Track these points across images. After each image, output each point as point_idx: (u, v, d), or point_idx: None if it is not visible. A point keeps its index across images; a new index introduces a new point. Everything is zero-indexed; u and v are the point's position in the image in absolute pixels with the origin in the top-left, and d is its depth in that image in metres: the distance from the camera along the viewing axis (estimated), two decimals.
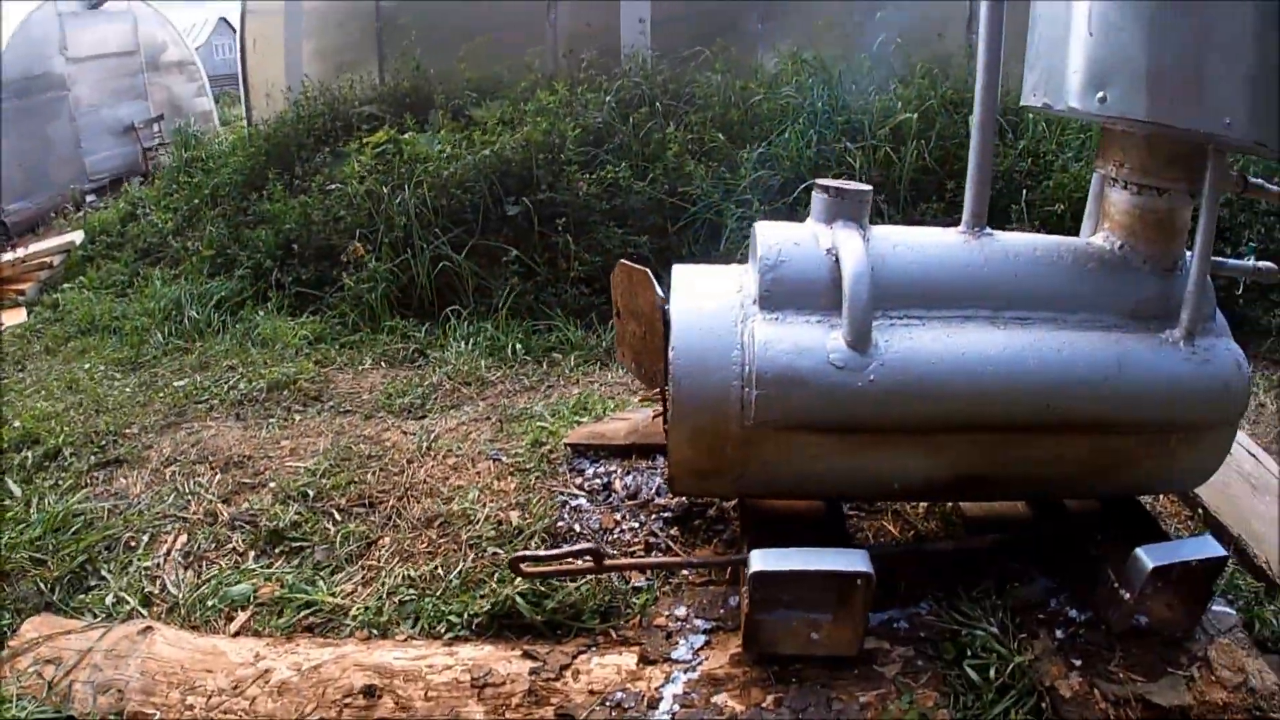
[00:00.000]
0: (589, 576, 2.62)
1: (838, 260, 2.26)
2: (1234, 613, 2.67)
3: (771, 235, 2.35)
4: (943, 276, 2.34)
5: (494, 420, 3.92)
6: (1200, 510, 3.47)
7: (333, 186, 5.83)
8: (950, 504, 2.96)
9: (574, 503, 3.13)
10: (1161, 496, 3.51)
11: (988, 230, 2.47)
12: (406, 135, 5.81)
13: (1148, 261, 2.48)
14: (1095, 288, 2.43)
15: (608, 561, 2.51)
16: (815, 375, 2.15)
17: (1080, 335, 2.34)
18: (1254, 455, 3.94)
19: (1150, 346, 2.36)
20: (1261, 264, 2.97)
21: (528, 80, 6.04)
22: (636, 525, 2.97)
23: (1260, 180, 2.61)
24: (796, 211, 5.03)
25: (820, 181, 2.41)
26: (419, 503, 3.25)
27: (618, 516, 3.02)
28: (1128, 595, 2.38)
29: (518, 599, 2.57)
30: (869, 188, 2.42)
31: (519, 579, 2.58)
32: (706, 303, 2.34)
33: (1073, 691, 2.32)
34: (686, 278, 2.45)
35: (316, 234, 5.70)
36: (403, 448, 3.70)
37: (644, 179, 5.26)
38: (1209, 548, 2.44)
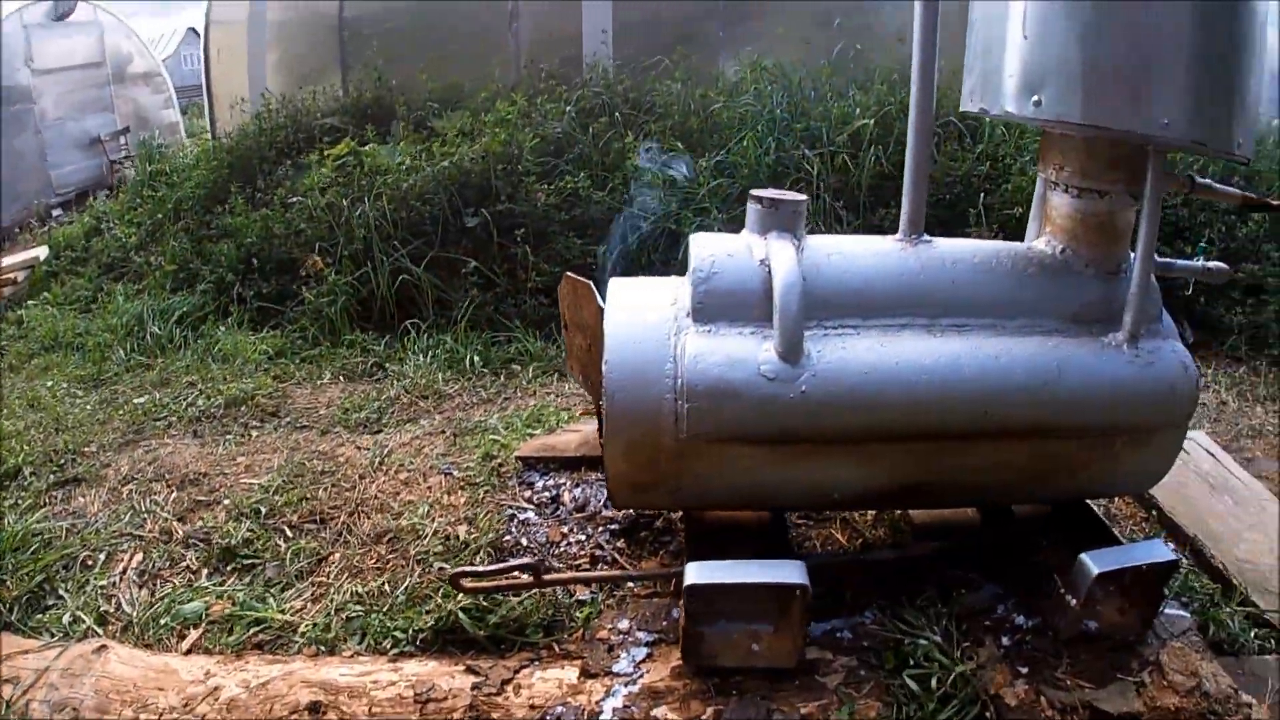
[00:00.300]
0: (534, 591, 2.60)
1: (771, 271, 2.24)
2: (1188, 615, 2.67)
3: (705, 247, 2.33)
4: (878, 285, 2.33)
5: (448, 434, 3.89)
6: (1155, 511, 3.48)
7: (294, 199, 5.79)
8: (898, 511, 2.95)
9: (522, 516, 3.11)
10: (1117, 498, 3.52)
11: (925, 238, 2.46)
12: (367, 147, 5.77)
13: (1090, 265, 2.47)
14: (1036, 293, 2.42)
15: (546, 576, 2.49)
16: (747, 387, 2.13)
17: (1019, 341, 2.32)
18: (1212, 454, 3.95)
19: (1092, 350, 2.35)
20: (1211, 264, 2.96)
21: (488, 91, 6.02)
22: (583, 538, 2.95)
23: (1209, 180, 2.61)
24: None
25: (755, 192, 2.40)
26: (369, 518, 3.23)
27: (565, 529, 3.00)
28: (1074, 601, 2.37)
29: (461, 614, 2.56)
30: (803, 198, 2.41)
31: (462, 594, 2.56)
32: (641, 315, 2.32)
33: (1018, 699, 2.30)
34: (622, 291, 2.43)
35: (278, 248, 5.66)
36: (355, 463, 3.68)
37: (604, 189, 5.24)
38: (1157, 552, 2.43)
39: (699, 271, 2.28)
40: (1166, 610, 2.62)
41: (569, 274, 2.82)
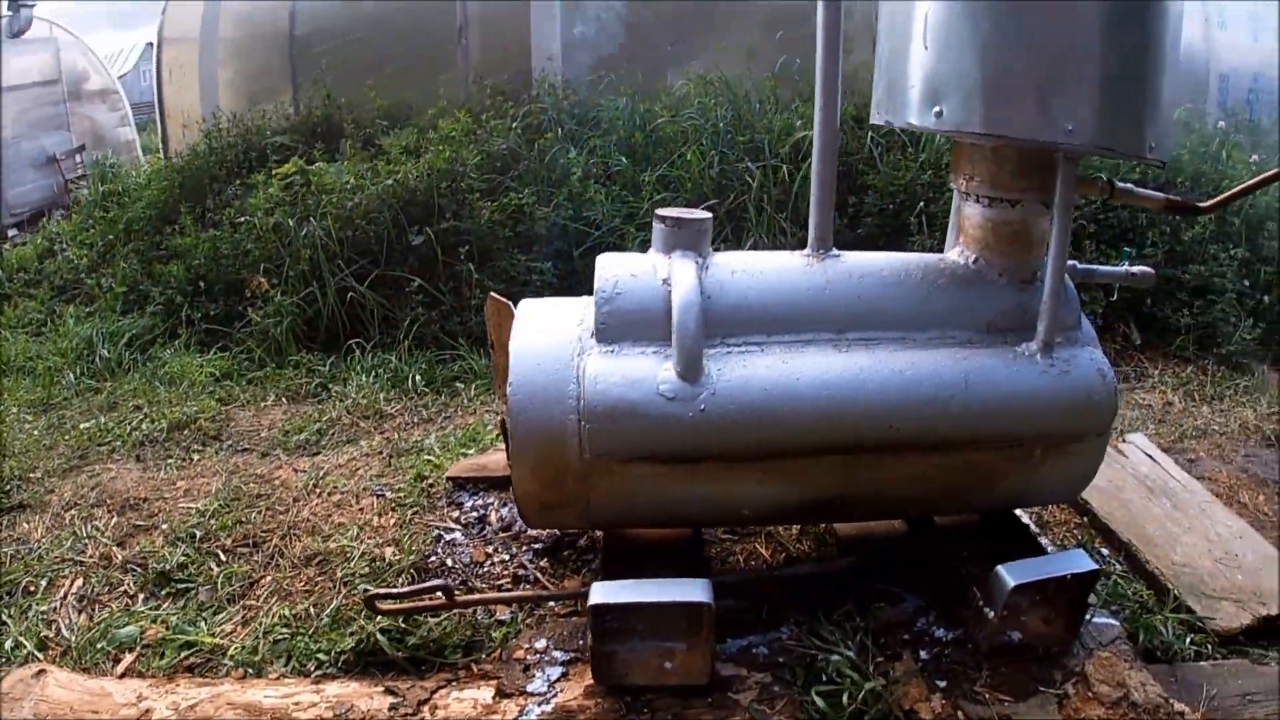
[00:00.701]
0: (452, 611, 2.60)
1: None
2: (1117, 624, 2.66)
3: (609, 267, 2.33)
4: (783, 301, 2.32)
5: (385, 455, 3.87)
6: (1089, 517, 3.48)
7: (243, 219, 5.75)
8: (822, 525, 2.95)
9: (449, 536, 3.10)
10: (1051, 505, 3.52)
11: (834, 252, 2.46)
12: (315, 166, 5.74)
13: (1004, 274, 2.48)
14: (948, 304, 2.42)
15: (459, 597, 2.49)
16: (646, 407, 2.13)
17: (928, 354, 2.32)
18: (1152, 457, 3.96)
19: (1004, 361, 2.35)
20: (1136, 269, 2.97)
21: (436, 108, 6.00)
22: (507, 557, 2.94)
23: (1129, 185, 2.61)
24: None
25: (659, 211, 2.41)
26: (300, 541, 3.22)
27: (490, 549, 2.98)
28: (992, 614, 2.37)
29: (380, 636, 2.55)
30: (708, 216, 2.41)
31: (381, 616, 2.56)
32: (546, 337, 2.32)
33: (934, 714, 2.29)
34: (531, 311, 2.43)
35: (225, 268, 5.62)
36: (291, 485, 3.68)
37: (548, 205, 5.23)
38: (1078, 562, 2.42)
39: (602, 292, 2.27)
40: (1095, 619, 2.62)
41: (493, 294, 2.82)
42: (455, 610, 2.59)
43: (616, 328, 2.25)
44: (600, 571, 2.46)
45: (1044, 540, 3.00)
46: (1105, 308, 5.42)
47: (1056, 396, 2.35)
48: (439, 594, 2.45)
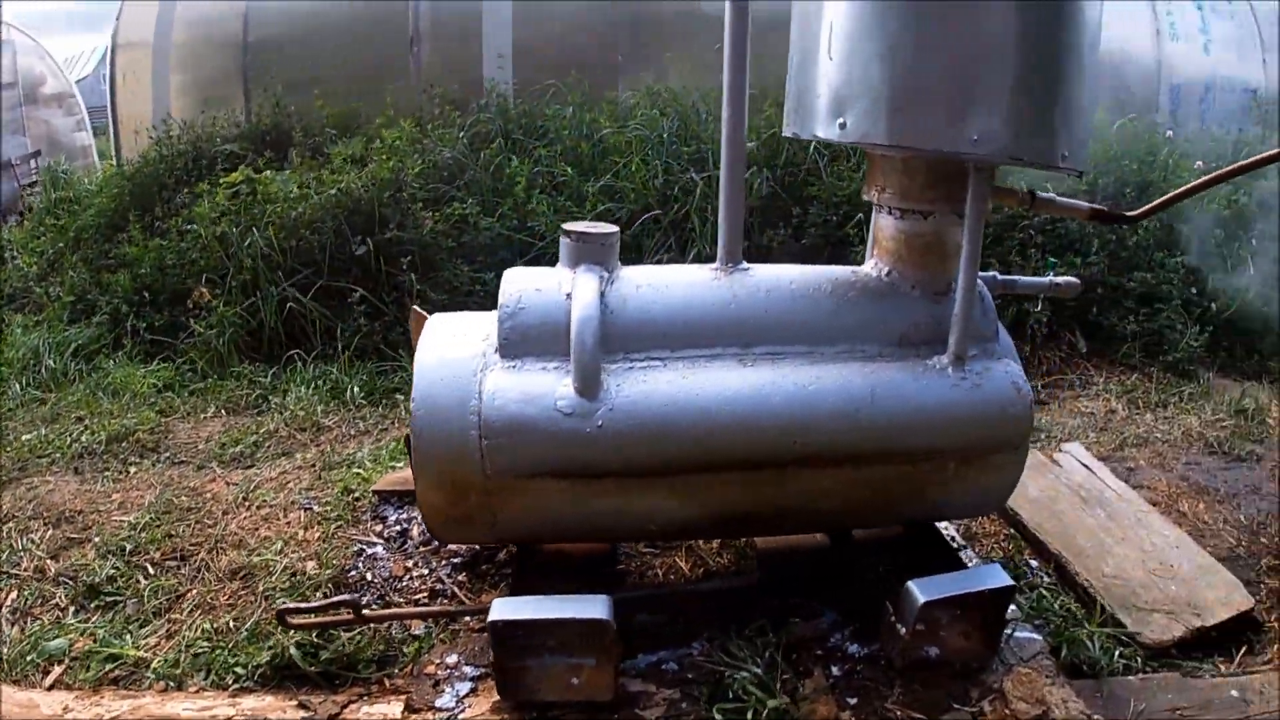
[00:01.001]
0: (368, 626, 2.60)
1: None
2: (1040, 638, 2.65)
3: (514, 282, 2.32)
4: (688, 316, 2.31)
5: (317, 468, 3.84)
6: (1019, 528, 3.44)
7: (190, 228, 5.69)
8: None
9: (370, 551, 3.09)
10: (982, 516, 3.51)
11: (744, 265, 2.45)
12: (262, 175, 5.69)
13: (917, 286, 2.47)
14: (858, 317, 2.42)
15: (367, 612, 2.47)
16: (544, 423, 2.12)
17: (835, 368, 2.31)
18: (1087, 466, 3.96)
19: (913, 374, 2.34)
20: (1060, 279, 2.97)
21: (384, 117, 5.97)
22: (426, 572, 2.92)
23: (1050, 194, 2.61)
24: (642, 242, 5.04)
25: (565, 226, 2.39)
26: (226, 555, 3.21)
27: (409, 564, 2.96)
28: (904, 630, 2.35)
29: (294, 650, 2.55)
30: (614, 230, 2.39)
31: (293, 631, 2.56)
32: (451, 352, 2.30)
33: None
34: (438, 326, 2.41)
35: (171, 278, 5.55)
36: (221, 499, 3.65)
37: (493, 215, 5.20)
38: (993, 577, 2.41)
39: (505, 307, 2.26)
40: (1017, 633, 2.62)
41: (415, 308, 2.80)
42: (369, 624, 2.59)
43: (519, 343, 2.24)
44: (510, 587, 2.44)
45: (969, 553, 3.02)
46: (1050, 316, 5.46)
47: (968, 410, 2.34)
48: (345, 609, 2.45)
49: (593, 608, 2.11)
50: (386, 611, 2.57)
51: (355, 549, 3.10)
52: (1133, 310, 5.75)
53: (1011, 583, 2.42)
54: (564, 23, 6.87)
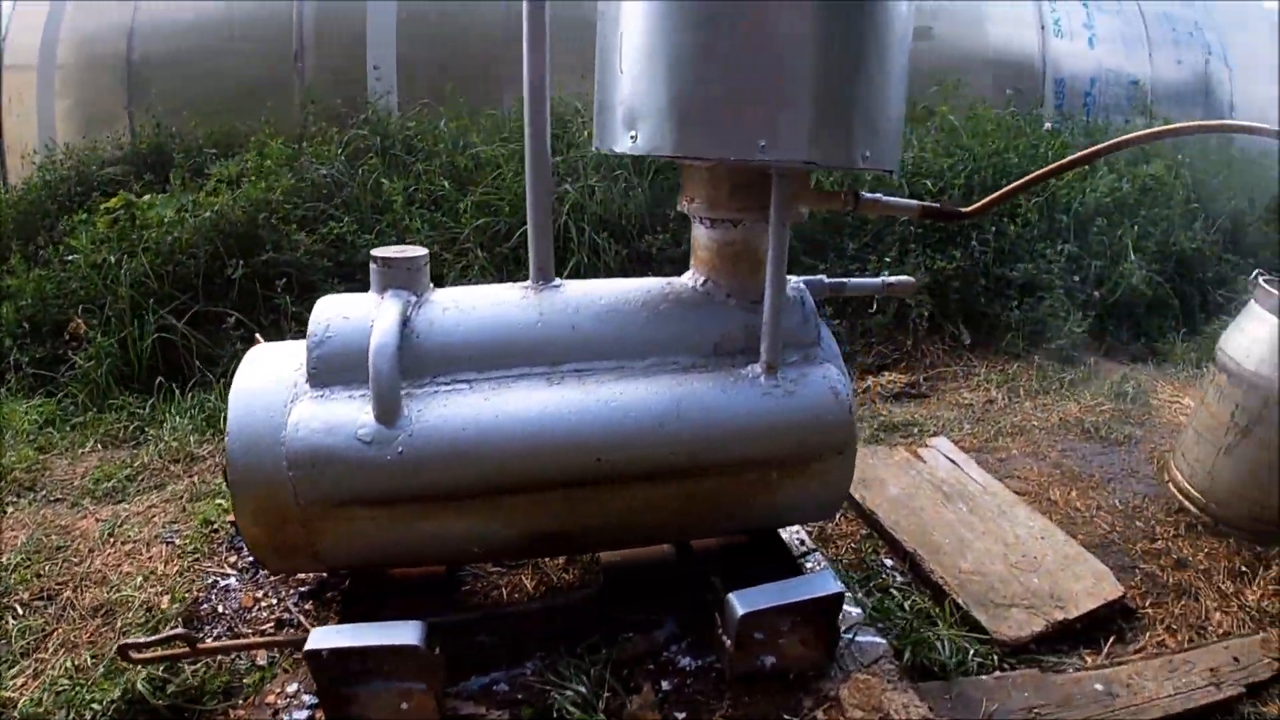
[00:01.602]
0: (217, 657, 2.63)
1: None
2: (884, 642, 2.65)
3: (323, 310, 2.31)
4: (494, 337, 2.32)
5: (184, 500, 3.79)
6: (876, 527, 3.45)
7: (71, 258, 5.56)
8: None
9: (224, 583, 3.07)
10: (838, 515, 3.55)
11: (555, 282, 2.46)
12: (143, 199, 5.58)
13: (732, 295, 2.48)
14: (669, 329, 2.42)
15: (201, 645, 2.46)
16: (346, 452, 2.12)
17: (642, 382, 2.32)
18: (952, 460, 3.99)
19: (723, 385, 2.34)
20: (894, 279, 2.99)
21: (263, 134, 5.88)
22: (275, 601, 2.91)
23: (876, 195, 2.61)
24: (520, 256, 5.04)
25: (374, 252, 2.38)
26: (90, 592, 3.17)
27: (259, 594, 2.95)
28: (729, 642, 2.36)
29: (141, 685, 2.56)
30: (422, 253, 2.39)
31: (140, 666, 2.56)
32: (265, 382, 2.29)
33: None
34: (255, 356, 2.40)
35: (51, 309, 5.42)
36: (89, 536, 3.60)
37: (371, 232, 5.17)
38: (819, 585, 2.42)
39: (313, 336, 2.25)
40: (859, 638, 2.62)
41: (258, 335, 2.77)
42: (206, 657, 2.61)
43: (326, 372, 2.23)
44: (340, 614, 2.44)
45: (817, 556, 3.04)
46: (933, 309, 5.58)
47: (782, 418, 2.34)
48: (181, 642, 2.44)
49: (406, 634, 2.12)
50: (220, 644, 2.56)
51: (210, 581, 3.08)
52: (1016, 299, 5.89)
53: (839, 589, 2.42)
54: (452, 32, 6.81)
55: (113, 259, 5.17)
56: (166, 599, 3.02)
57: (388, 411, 2.12)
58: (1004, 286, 5.93)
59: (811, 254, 5.51)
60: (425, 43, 6.73)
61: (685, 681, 2.44)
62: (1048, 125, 7.15)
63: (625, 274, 5.04)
